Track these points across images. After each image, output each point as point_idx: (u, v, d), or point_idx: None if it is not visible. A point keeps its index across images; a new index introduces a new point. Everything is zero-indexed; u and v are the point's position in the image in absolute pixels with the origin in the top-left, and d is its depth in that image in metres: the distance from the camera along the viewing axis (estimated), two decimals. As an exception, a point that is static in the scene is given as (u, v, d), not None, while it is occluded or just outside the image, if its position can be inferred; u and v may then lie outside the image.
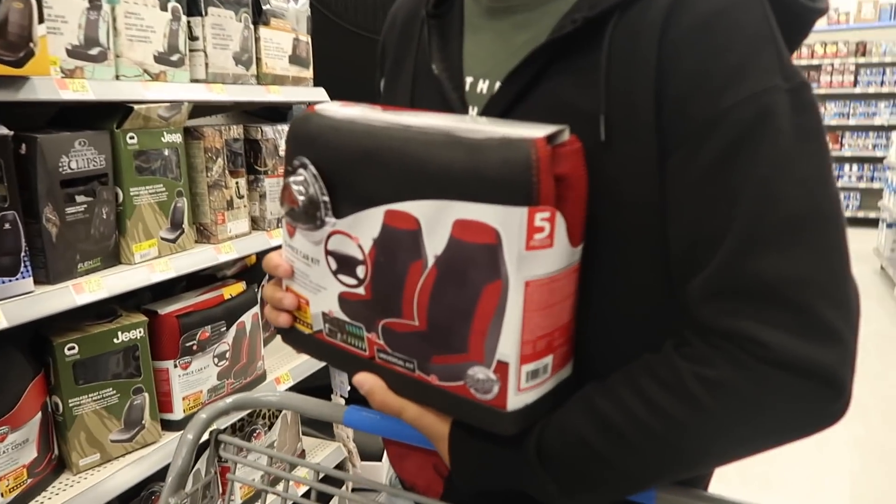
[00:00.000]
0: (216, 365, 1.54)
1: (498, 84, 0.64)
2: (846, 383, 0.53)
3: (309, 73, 1.86)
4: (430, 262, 0.57)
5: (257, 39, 1.66)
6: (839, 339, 0.52)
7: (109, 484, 1.29)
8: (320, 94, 1.87)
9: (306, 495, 0.79)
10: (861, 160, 7.45)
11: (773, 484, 2.58)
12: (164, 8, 1.39)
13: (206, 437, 0.84)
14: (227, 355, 1.57)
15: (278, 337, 0.74)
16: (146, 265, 1.37)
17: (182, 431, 0.83)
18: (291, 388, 1.78)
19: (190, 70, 1.48)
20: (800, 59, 7.40)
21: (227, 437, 0.83)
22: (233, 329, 1.58)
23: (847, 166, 7.46)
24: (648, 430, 0.55)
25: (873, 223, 7.11)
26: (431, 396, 0.61)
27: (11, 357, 1.18)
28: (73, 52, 1.21)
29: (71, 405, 1.27)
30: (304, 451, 1.95)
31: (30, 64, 1.08)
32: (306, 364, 1.84)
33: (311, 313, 0.67)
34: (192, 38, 1.49)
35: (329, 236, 0.63)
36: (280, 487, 0.80)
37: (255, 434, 1.72)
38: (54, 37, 1.18)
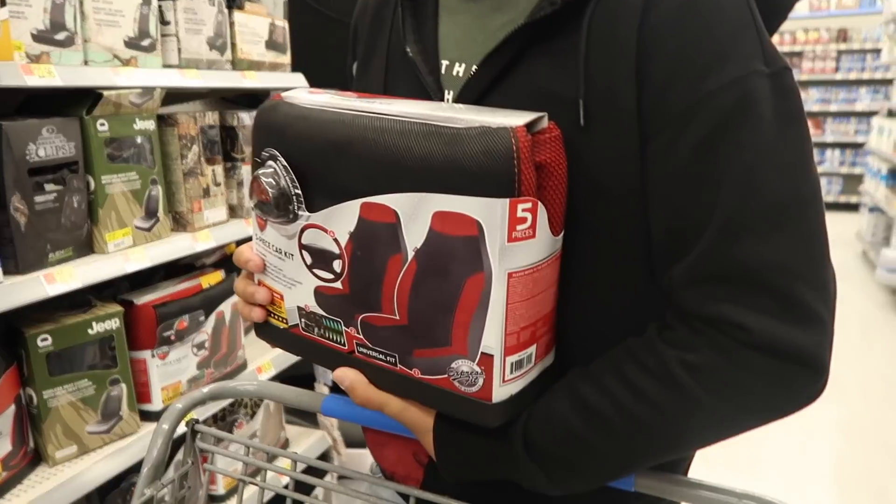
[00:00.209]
0: (195, 355, 1.52)
1: (474, 67, 0.63)
2: (826, 363, 0.54)
3: (286, 59, 1.83)
4: (410, 255, 0.56)
5: (232, 24, 1.63)
6: (819, 321, 0.53)
7: (87, 476, 1.28)
8: (298, 79, 1.84)
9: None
10: (843, 146, 7.52)
11: (758, 467, 2.61)
12: (133, -9, 1.36)
13: (184, 427, 0.82)
14: (207, 345, 1.55)
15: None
16: (120, 254, 1.35)
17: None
18: (274, 378, 1.77)
19: (162, 55, 1.45)
20: (782, 45, 7.44)
21: (204, 428, 0.82)
22: (212, 318, 1.56)
23: (829, 152, 7.53)
24: (634, 417, 0.55)
25: (855, 208, 7.20)
26: (414, 390, 0.60)
27: (-18, 349, 1.16)
28: (38, 37, 1.18)
29: (45, 397, 1.25)
30: (287, 440, 1.94)
31: (-8, 48, 1.05)
32: (289, 353, 1.82)
33: (286, 308, 0.66)
34: (164, 22, 1.46)
35: (303, 230, 0.61)
36: (260, 478, 0.79)
37: (236, 424, 1.71)
38: (18, 21, 1.14)
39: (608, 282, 0.61)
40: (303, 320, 0.65)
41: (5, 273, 1.15)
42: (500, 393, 0.56)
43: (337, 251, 0.60)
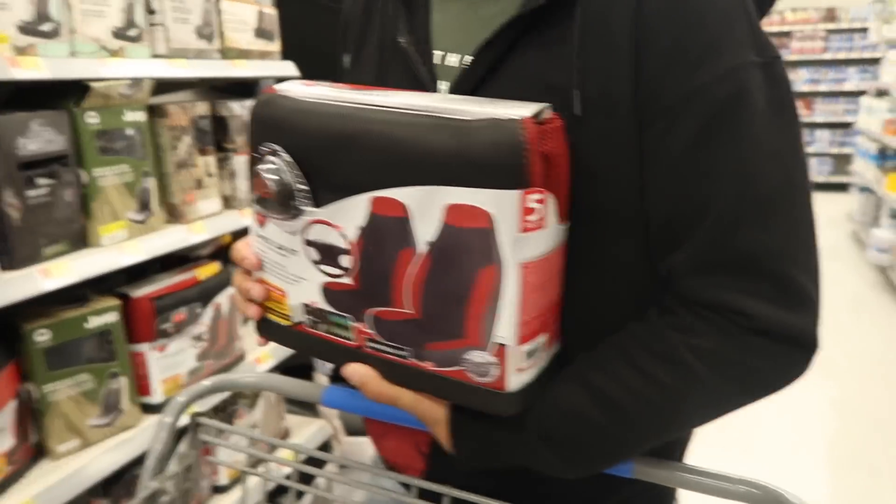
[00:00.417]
0: (194, 346, 1.52)
1: (468, 58, 0.62)
2: (817, 341, 0.58)
3: (276, 47, 1.81)
4: (422, 248, 0.55)
5: (220, 12, 1.61)
6: (811, 302, 0.57)
7: (91, 469, 1.28)
8: (289, 67, 1.82)
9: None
10: (832, 126, 7.54)
11: (751, 447, 2.65)
12: (119, -20, 1.34)
13: (187, 420, 0.82)
14: (205, 336, 1.55)
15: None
16: (115, 247, 1.34)
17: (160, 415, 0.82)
18: (273, 369, 1.77)
19: (150, 45, 1.44)
20: (771, 25, 7.43)
21: (207, 420, 0.82)
22: (209, 310, 1.55)
23: (819, 132, 7.55)
24: (647, 400, 0.58)
25: (845, 188, 7.23)
26: (426, 382, 0.60)
27: (-21, 345, 1.15)
28: (24, 29, 1.16)
29: (46, 391, 1.24)
30: (287, 430, 1.94)
31: (-22, 40, 1.03)
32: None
33: (290, 305, 0.65)
34: (151, 11, 1.44)
35: (308, 225, 0.60)
36: (263, 468, 0.79)
37: (236, 414, 1.71)
38: (3, 12, 1.13)
39: (605, 267, 0.61)
40: (308, 317, 0.64)
41: (0, 268, 1.14)
42: (514, 382, 0.57)
43: (345, 246, 0.59)
